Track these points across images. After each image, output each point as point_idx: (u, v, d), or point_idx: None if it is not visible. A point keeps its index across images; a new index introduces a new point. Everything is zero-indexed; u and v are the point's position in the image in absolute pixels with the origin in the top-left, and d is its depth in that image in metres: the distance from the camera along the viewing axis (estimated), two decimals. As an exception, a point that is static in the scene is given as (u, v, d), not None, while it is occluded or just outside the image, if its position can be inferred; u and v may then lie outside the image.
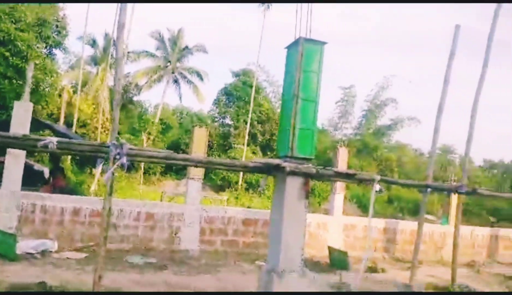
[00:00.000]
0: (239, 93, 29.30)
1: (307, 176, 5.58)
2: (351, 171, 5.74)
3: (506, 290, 8.47)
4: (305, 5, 5.84)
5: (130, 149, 5.16)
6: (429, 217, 19.54)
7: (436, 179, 29.26)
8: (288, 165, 5.37)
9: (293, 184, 5.54)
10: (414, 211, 24.07)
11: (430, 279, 9.28)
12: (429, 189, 6.65)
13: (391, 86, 29.11)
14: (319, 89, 5.85)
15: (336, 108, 30.82)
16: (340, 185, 12.84)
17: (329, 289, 7.74)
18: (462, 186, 6.13)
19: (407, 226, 12.86)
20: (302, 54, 5.61)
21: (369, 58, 68.83)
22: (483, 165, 39.53)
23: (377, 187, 5.59)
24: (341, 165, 14.33)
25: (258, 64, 28.53)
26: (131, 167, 18.17)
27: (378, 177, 5.84)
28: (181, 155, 6.69)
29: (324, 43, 5.82)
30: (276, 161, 5.54)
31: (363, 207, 21.18)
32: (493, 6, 6.95)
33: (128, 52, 26.35)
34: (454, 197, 13.25)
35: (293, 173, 5.45)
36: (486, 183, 32.68)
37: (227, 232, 10.95)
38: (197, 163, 6.40)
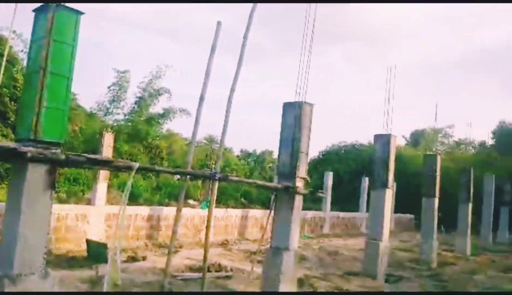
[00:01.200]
0: (-15, 62, 24.12)
1: (54, 163, 4.87)
2: (107, 158, 5.34)
3: (251, 263, 9.63)
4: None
5: None
6: (192, 202, 20.79)
7: (203, 166, 31.44)
8: (29, 150, 4.56)
9: (36, 173, 4.73)
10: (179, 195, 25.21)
11: (187, 262, 9.76)
12: (188, 176, 6.88)
13: (165, 75, 29.45)
14: (73, 64, 5.17)
15: (109, 92, 29.22)
16: (104, 173, 12.15)
17: (80, 286, 7.14)
18: (215, 173, 6.56)
19: (171, 212, 13.21)
20: (53, 21, 4.84)
21: (145, 44, 68.37)
22: (240, 154, 45.02)
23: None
24: (106, 151, 13.60)
25: (13, 31, 24.09)
26: None
27: (137, 165, 5.63)
28: None
29: (80, 12, 5.18)
30: (11, 144, 4.62)
31: (130, 196, 20.77)
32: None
33: None
34: (214, 183, 14.44)
35: (36, 159, 4.66)
36: (241, 171, 37.17)
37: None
38: None
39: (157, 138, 29.93)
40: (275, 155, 46.75)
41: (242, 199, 26.93)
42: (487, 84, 74.96)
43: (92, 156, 5.20)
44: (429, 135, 42.16)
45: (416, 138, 43.16)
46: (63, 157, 4.89)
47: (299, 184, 7.79)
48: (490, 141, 39.24)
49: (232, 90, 7.21)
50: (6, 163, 15.84)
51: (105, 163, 5.59)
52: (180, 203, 6.98)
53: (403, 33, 79.96)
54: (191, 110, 28.45)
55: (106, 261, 9.20)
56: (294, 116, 7.94)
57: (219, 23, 7.60)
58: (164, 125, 31.88)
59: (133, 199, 20.01)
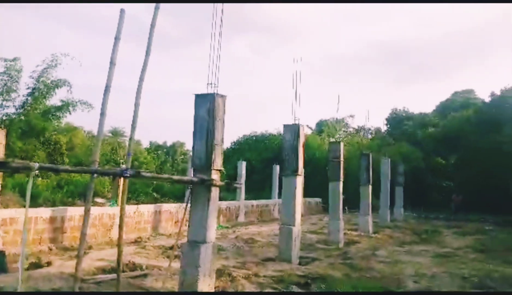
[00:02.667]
0: None
1: None
2: (3, 160, 4.74)
3: (167, 259, 9.39)
4: None
5: None
6: (100, 200, 19.65)
7: (108, 161, 29.83)
8: None
9: None
10: (86, 195, 23.64)
11: (99, 263, 9.20)
12: (95, 175, 6.43)
13: (61, 64, 27.10)
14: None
15: (-4, 82, 26.08)
16: (-5, 173, 10.83)
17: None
18: (126, 170, 6.22)
19: (76, 212, 12.32)
20: None
21: (38, 30, 62.37)
22: (149, 147, 43.62)
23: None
24: (-3, 149, 12.16)
25: None
26: None
27: (37, 165, 5.12)
28: None
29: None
30: None
31: (30, 196, 18.94)
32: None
33: None
34: (122, 180, 13.76)
35: None
36: (152, 164, 36.05)
37: None
38: None
39: (55, 133, 27.62)
40: (187, 146, 46.18)
41: (154, 194, 26.16)
42: (382, 76, 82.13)
43: (-18, 156, 4.58)
44: (332, 124, 44.93)
45: (321, 127, 45.72)
46: None
47: (215, 176, 7.75)
48: (384, 128, 43.13)
49: (141, 80, 6.88)
50: None
51: (1, 165, 4.96)
52: (88, 203, 6.50)
53: (306, 27, 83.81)
54: (94, 102, 26.73)
55: (5, 270, 8.31)
56: (207, 109, 7.84)
57: (122, 10, 7.17)
58: (63, 119, 29.52)
59: (32, 200, 18.26)
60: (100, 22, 70.60)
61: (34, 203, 17.62)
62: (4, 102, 26.62)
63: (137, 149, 38.25)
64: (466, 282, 9.61)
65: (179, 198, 24.52)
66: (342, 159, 15.78)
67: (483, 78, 78.94)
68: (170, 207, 16.26)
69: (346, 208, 21.40)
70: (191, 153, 9.31)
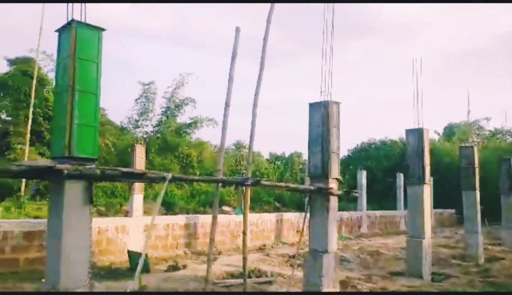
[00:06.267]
0: (17, 84, 24.97)
1: (90, 178, 4.93)
2: (140, 171, 5.37)
3: (290, 268, 9.51)
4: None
5: None
6: (227, 208, 20.85)
7: (233, 172, 31.52)
8: (66, 168, 4.63)
9: (73, 189, 4.81)
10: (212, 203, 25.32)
11: (227, 268, 9.73)
12: (220, 184, 6.86)
13: (188, 83, 29.84)
14: (99, 81, 5.23)
15: (136, 105, 29.83)
16: (139, 185, 12.33)
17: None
18: (247, 179, 6.49)
19: (207, 219, 13.29)
20: (76, 39, 4.91)
21: (166, 55, 69.62)
22: (269, 158, 44.91)
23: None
24: (139, 163, 13.81)
25: (42, 51, 25.01)
26: None
27: (170, 175, 5.65)
28: None
29: (102, 29, 5.23)
30: (48, 162, 4.70)
31: (166, 205, 21.07)
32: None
33: None
34: (246, 189, 14.40)
35: (73, 176, 4.73)
36: (272, 175, 37.04)
37: (3, 250, 9.17)
38: None
39: (187, 148, 30.27)
40: (304, 156, 46.39)
41: (276, 203, 26.79)
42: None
43: (126, 169, 5.24)
44: (463, 128, 40.77)
45: (450, 131, 41.79)
46: (98, 172, 4.94)
47: (333, 185, 7.61)
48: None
49: (257, 94, 7.15)
50: (45, 181, 16.32)
51: (139, 176, 5.62)
52: (215, 211, 6.95)
53: (421, 24, 77.74)
54: (217, 118, 28.68)
55: (148, 271, 9.34)
56: (321, 116, 7.77)
57: (237, 29, 7.55)
58: (193, 134, 32.29)
59: (170, 208, 20.29)
60: (213, 40, 75.85)
61: (171, 212, 19.55)
62: (144, 122, 30.28)
63: (258, 160, 39.73)
64: None
65: (299, 207, 24.68)
66: (476, 165, 14.16)
67: None
68: (290, 216, 16.47)
69: (485, 220, 19.07)
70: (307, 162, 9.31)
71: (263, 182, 7.32)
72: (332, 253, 7.36)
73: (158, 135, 29.54)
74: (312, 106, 7.89)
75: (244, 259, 6.49)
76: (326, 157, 7.53)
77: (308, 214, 7.67)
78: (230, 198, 24.14)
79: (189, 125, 30.92)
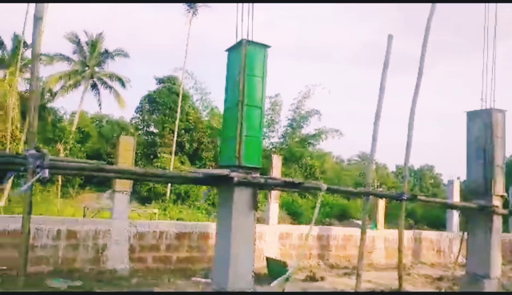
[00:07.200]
0: (164, 100, 28.23)
1: (255, 186, 5.25)
2: (297, 180, 5.56)
3: (436, 289, 8.84)
4: (244, 6, 5.53)
5: (52, 160, 4.45)
6: (357, 222, 20.29)
7: (358, 184, 30.70)
8: (237, 175, 5.00)
9: (241, 195, 5.17)
10: (339, 216, 24.89)
11: (369, 285, 9.41)
12: (370, 196, 6.70)
13: (313, 94, 30.06)
14: (264, 95, 5.58)
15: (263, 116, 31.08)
16: (275, 194, 12.73)
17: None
18: (403, 194, 6.22)
19: (339, 231, 13.12)
20: (245, 57, 5.30)
21: (291, 67, 71.22)
22: (396, 170, 42.63)
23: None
24: (276, 172, 14.23)
25: (185, 70, 27.90)
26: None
27: (325, 186, 5.72)
28: (112, 167, 6.00)
29: (267, 46, 5.57)
30: (223, 171, 5.13)
31: (293, 214, 21.41)
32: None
33: (41, 54, 24.11)
34: (381, 203, 13.83)
35: (241, 183, 5.09)
36: (399, 188, 34.94)
37: (159, 248, 10.27)
38: (131, 175, 5.78)
39: (310, 158, 30.44)
40: (436, 170, 42.95)
41: (409, 220, 25.25)
42: None
43: (287, 179, 5.47)
44: None
45: None
46: (262, 180, 5.25)
47: (497, 202, 6.88)
48: None
49: (414, 102, 6.83)
50: (214, 187, 17.82)
51: (296, 185, 5.80)
52: (364, 224, 6.80)
53: None
54: (342, 129, 28.26)
55: (287, 280, 9.53)
56: (484, 126, 7.11)
57: (390, 36, 7.35)
58: (317, 145, 32.37)
59: (296, 218, 20.56)
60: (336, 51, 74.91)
61: (297, 221, 19.75)
62: (270, 133, 31.37)
63: (383, 172, 38.01)
64: None
65: (433, 225, 22.83)
66: None
67: None
68: (430, 235, 15.31)
69: None
70: (441, 177, 8.56)
71: (421, 197, 6.96)
72: (494, 279, 6.64)
73: (284, 146, 30.28)
74: (470, 115, 7.29)
75: (400, 278, 6.20)
76: (489, 171, 6.86)
77: (465, 234, 7.04)
78: (360, 212, 23.48)
79: (314, 136, 31.10)
